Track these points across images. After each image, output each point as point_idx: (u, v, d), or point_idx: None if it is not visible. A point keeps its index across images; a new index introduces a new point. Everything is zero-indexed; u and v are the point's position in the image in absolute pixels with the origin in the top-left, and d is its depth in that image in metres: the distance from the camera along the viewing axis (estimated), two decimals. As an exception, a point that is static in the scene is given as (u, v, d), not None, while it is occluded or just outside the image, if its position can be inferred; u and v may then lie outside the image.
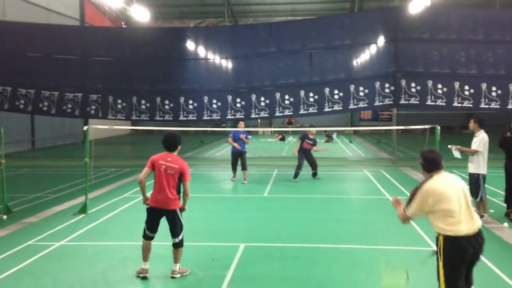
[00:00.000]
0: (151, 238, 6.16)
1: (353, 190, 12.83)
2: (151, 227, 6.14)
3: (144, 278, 5.98)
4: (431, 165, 4.46)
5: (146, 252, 6.12)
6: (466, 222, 4.22)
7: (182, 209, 6.11)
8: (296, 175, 13.56)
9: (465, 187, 4.41)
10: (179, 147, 6.22)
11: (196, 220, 9.24)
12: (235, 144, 13.44)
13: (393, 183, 13.25)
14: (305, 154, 13.66)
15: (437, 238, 4.38)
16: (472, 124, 8.98)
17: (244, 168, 13.40)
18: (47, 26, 19.38)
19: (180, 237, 6.07)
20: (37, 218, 9.41)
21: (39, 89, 16.69)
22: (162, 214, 6.08)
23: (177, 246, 6.10)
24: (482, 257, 6.73)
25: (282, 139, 29.98)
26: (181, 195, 6.11)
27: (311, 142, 13.65)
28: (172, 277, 6.04)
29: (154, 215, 6.11)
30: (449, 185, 4.31)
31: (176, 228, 6.05)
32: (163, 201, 5.98)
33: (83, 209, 9.75)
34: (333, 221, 9.11)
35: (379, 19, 16.37)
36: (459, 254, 4.21)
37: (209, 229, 8.57)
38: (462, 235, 4.18)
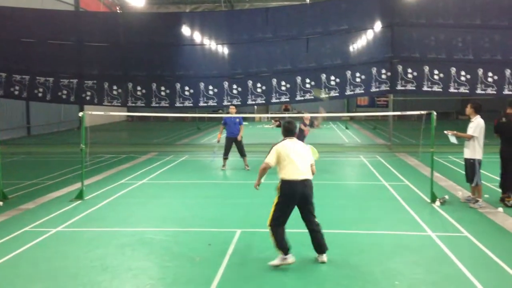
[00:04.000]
0: None
1: (350, 176, 12.87)
2: None
3: None
4: (286, 132, 6.35)
5: None
6: (298, 173, 6.02)
7: None
8: None
9: (307, 151, 6.31)
10: None
11: (192, 206, 9.27)
12: (219, 135, 13.56)
13: (389, 169, 13.31)
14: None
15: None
16: (468, 109, 9.02)
17: (242, 154, 13.35)
18: (41, 11, 19.10)
19: None
20: (34, 204, 9.42)
21: (34, 75, 16.54)
22: None
23: None
24: (475, 241, 6.84)
25: (279, 125, 29.97)
26: None
27: (308, 127, 13.76)
28: None
29: None
30: (291, 148, 6.14)
31: None
32: None
33: (79, 195, 9.76)
34: (329, 206, 9.15)
35: (376, 4, 16.23)
36: (290, 193, 6.02)
37: (206, 215, 8.60)
38: (293, 179, 5.98)
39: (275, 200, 6.10)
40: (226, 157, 13.44)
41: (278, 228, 6.03)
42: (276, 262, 5.95)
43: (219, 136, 13.66)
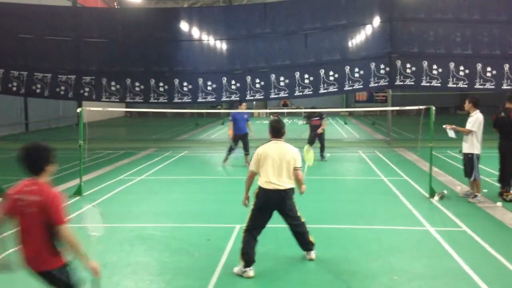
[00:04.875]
0: None
1: (348, 171, 12.87)
2: None
3: None
4: (273, 132, 5.72)
5: None
6: (274, 181, 5.53)
7: (94, 275, 3.79)
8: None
9: (289, 155, 5.59)
10: (50, 168, 3.86)
11: (191, 202, 9.27)
12: (230, 132, 13.09)
13: (388, 164, 13.31)
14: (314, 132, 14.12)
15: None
16: (467, 104, 9.03)
17: (246, 150, 13.00)
18: (39, 7, 19.07)
19: None
20: (32, 200, 9.39)
21: (32, 71, 16.51)
22: (39, 278, 3.76)
23: None
24: (474, 235, 6.84)
25: (278, 121, 29.92)
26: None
27: (317, 118, 14.21)
28: None
29: (38, 278, 3.77)
30: (271, 153, 5.56)
31: None
32: (31, 260, 3.68)
33: (78, 191, 9.75)
34: (328, 202, 9.16)
35: (375, -1, 16.22)
36: (264, 201, 5.58)
37: (205, 211, 8.60)
38: (267, 188, 5.52)
39: (252, 205, 5.71)
40: (230, 153, 13.21)
41: (251, 237, 5.61)
42: (235, 270, 5.60)
43: (230, 133, 13.11)
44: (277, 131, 5.71)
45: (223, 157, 13.52)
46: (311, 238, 6.04)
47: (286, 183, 5.58)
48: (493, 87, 14.86)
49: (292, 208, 5.78)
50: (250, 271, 5.51)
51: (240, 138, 13.09)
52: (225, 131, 24.68)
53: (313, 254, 5.99)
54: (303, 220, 5.92)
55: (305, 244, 5.99)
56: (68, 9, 22.45)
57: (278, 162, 5.56)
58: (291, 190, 5.66)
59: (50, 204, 3.62)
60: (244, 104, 13.71)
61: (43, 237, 3.64)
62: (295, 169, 5.63)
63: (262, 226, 5.72)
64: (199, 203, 9.13)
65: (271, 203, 5.62)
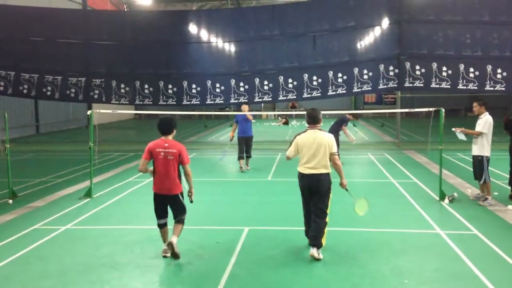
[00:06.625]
0: (165, 225, 6.29)
1: (357, 174, 12.82)
2: (160, 215, 6.26)
3: (166, 256, 6.16)
4: (308, 119, 6.20)
5: (163, 236, 6.32)
6: (307, 166, 6.09)
7: (190, 193, 6.13)
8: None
9: (325, 142, 6.05)
10: (175, 131, 6.25)
11: (200, 204, 9.26)
12: (231, 134, 12.80)
13: (397, 166, 13.25)
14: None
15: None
16: (477, 108, 8.93)
17: (248, 153, 12.64)
18: (49, 10, 19.26)
19: (182, 217, 6.24)
20: (43, 202, 9.48)
21: (43, 74, 16.68)
22: (167, 200, 6.18)
23: (179, 222, 6.22)
24: (484, 238, 6.79)
25: (286, 123, 29.91)
26: (182, 178, 6.22)
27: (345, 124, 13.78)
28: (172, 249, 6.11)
29: (160, 201, 6.22)
30: (308, 140, 6.08)
31: (178, 210, 6.21)
32: (167, 188, 6.09)
33: (88, 193, 9.81)
34: (337, 204, 9.08)
35: (383, 0, 16.17)
36: (302, 184, 6.21)
37: (214, 213, 8.62)
38: (301, 173, 6.15)
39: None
40: (242, 156, 12.66)
41: (305, 221, 6.37)
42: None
43: (232, 134, 12.90)
44: (312, 118, 6.16)
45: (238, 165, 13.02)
46: (323, 241, 6.12)
47: (320, 168, 6.04)
48: (503, 89, 14.75)
49: (325, 200, 6.15)
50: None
51: (244, 140, 12.55)
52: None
53: (315, 251, 6.00)
54: (327, 219, 6.18)
55: (315, 239, 6.06)
56: (78, 12, 22.65)
57: (314, 149, 6.03)
58: (326, 176, 6.08)
59: (182, 152, 6.01)
60: (245, 105, 12.98)
61: (175, 173, 6.06)
62: (332, 154, 6.07)
63: (307, 210, 6.31)
64: (207, 205, 9.15)
65: (307, 185, 6.11)
